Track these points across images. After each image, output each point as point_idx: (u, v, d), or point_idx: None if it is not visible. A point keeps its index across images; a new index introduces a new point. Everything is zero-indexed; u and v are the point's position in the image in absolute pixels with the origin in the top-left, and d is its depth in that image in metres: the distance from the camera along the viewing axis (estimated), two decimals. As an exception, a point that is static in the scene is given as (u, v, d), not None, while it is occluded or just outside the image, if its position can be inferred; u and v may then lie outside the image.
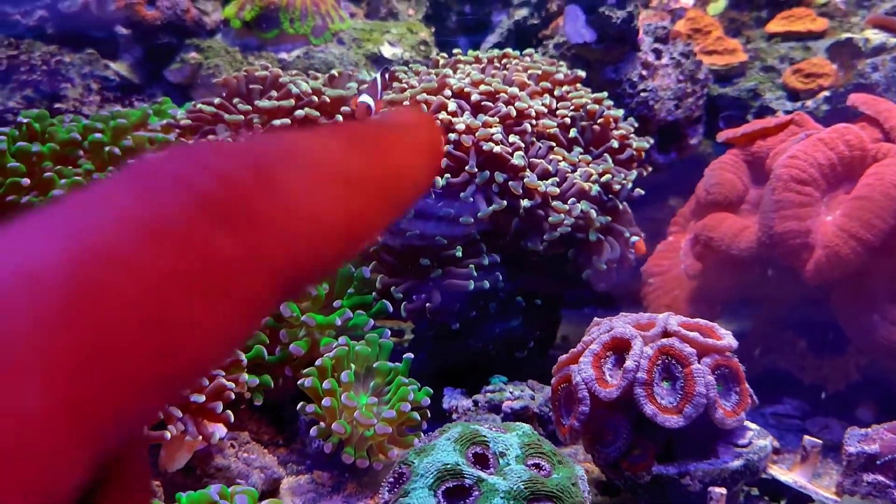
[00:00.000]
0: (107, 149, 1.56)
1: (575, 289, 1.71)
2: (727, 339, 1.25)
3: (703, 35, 2.13)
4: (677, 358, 1.22)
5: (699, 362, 1.22)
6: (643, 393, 1.21)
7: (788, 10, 2.10)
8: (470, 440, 1.08)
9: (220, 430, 1.34)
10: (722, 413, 1.21)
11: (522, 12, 2.26)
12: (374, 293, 1.54)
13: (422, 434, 1.40)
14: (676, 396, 1.21)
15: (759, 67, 1.99)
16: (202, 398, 1.29)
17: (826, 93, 1.85)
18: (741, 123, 1.93)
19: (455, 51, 1.78)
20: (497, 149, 1.50)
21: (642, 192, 1.62)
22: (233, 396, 1.34)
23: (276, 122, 1.59)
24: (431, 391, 1.43)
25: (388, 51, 2.17)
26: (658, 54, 1.91)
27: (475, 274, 1.50)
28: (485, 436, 1.09)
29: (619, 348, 1.27)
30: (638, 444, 1.24)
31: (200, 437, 1.30)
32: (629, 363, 1.22)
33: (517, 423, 1.16)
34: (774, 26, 2.08)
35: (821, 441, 1.29)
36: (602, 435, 1.26)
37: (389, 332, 1.51)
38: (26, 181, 1.42)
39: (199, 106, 1.62)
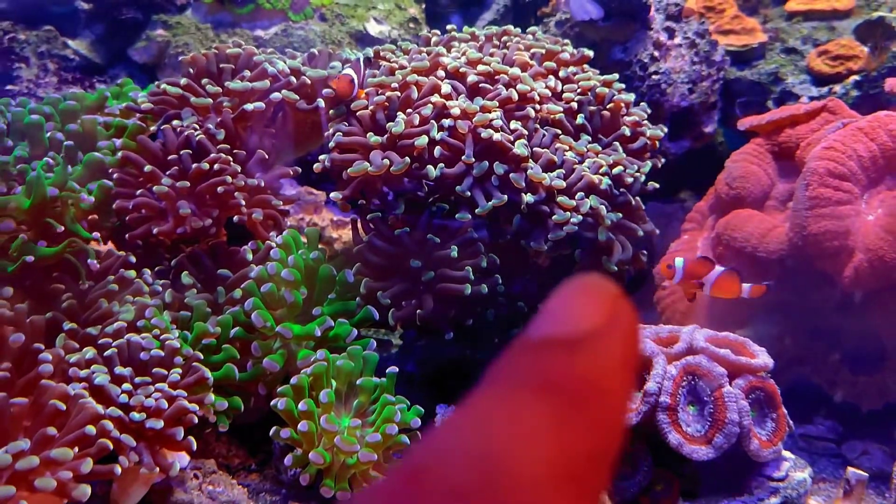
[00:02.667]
0: (48, 134, 1.38)
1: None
2: (762, 357, 1.10)
3: (717, 13, 1.96)
4: (706, 379, 1.07)
5: (731, 384, 1.06)
6: (667, 419, 1.05)
7: (810, -14, 1.93)
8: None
9: (181, 460, 1.17)
10: (758, 444, 1.05)
11: (520, -13, 2.09)
12: (357, 298, 1.38)
13: (412, 460, 1.24)
14: (705, 423, 1.06)
15: (779, 49, 1.82)
16: (160, 423, 1.13)
17: (856, 77, 1.69)
18: (760, 110, 1.77)
19: (449, 27, 1.61)
20: (497, 136, 1.33)
21: (657, 186, 1.46)
22: (196, 420, 1.17)
23: (249, 106, 1.41)
24: (422, 410, 1.27)
25: (374, 28, 1.99)
26: (671, 33, 1.75)
27: (472, 277, 1.33)
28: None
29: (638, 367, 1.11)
30: (660, 477, 1.08)
31: (158, 469, 1.13)
32: (651, 385, 1.06)
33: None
34: (795, 4, 1.91)
35: (866, 474, 1.13)
36: (619, 467, 1.10)
37: (375, 344, 1.34)
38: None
39: (163, 87, 1.44)
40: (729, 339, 1.13)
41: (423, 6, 2.16)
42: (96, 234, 1.27)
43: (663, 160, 1.56)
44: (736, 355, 1.08)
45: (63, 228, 1.24)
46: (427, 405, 1.30)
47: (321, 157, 1.42)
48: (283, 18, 1.98)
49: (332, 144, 1.38)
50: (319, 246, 1.47)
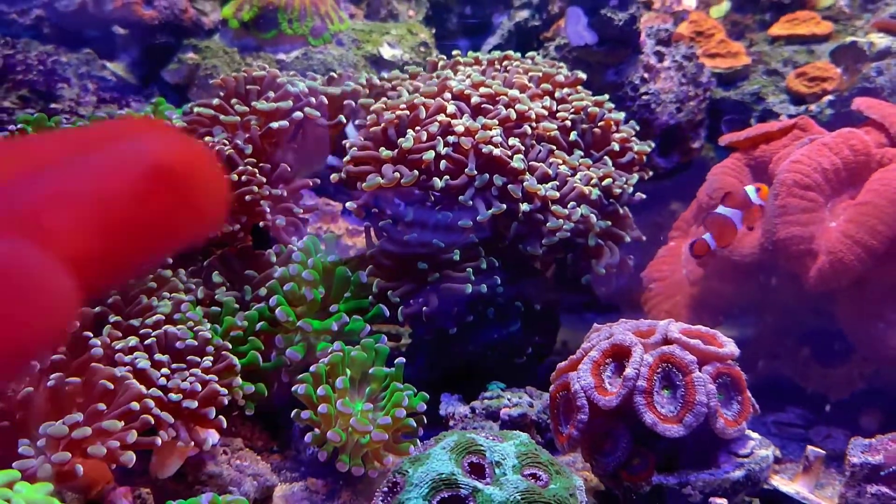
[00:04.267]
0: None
1: (574, 294, 1.68)
2: (729, 346, 1.23)
3: (706, 38, 2.11)
4: (678, 366, 1.20)
5: (700, 370, 1.20)
6: (643, 401, 1.19)
7: (792, 13, 2.08)
8: (466, 449, 1.06)
9: (212, 437, 1.31)
10: (723, 422, 1.18)
11: (523, 14, 2.24)
12: (370, 297, 1.52)
13: (418, 441, 1.38)
14: (677, 405, 1.19)
15: (762, 71, 1.96)
16: (194, 403, 1.27)
17: (830, 97, 1.83)
18: (744, 127, 1.91)
19: (454, 52, 1.76)
20: (497, 151, 1.48)
21: (643, 197, 1.60)
22: (226, 402, 1.31)
23: (275, 124, 1.57)
24: (427, 396, 1.40)
25: (387, 52, 2.15)
26: (660, 57, 1.89)
27: (473, 278, 1.47)
28: (481, 445, 1.07)
29: (618, 355, 1.25)
30: (637, 453, 1.21)
31: (192, 443, 1.27)
32: (629, 371, 1.20)
33: (514, 431, 1.14)
34: (778, 29, 2.06)
35: (824, 451, 1.26)
36: (601, 444, 1.23)
37: (386, 338, 1.48)
38: None
39: (196, 109, 1.60)
40: (700, 331, 1.26)
41: (433, 31, 2.32)
42: None
43: (651, 173, 1.70)
44: (706, 345, 1.22)
45: None
46: (433, 392, 1.44)
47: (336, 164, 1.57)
48: (303, 43, 2.14)
49: (347, 158, 1.54)
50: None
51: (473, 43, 2.30)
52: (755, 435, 1.26)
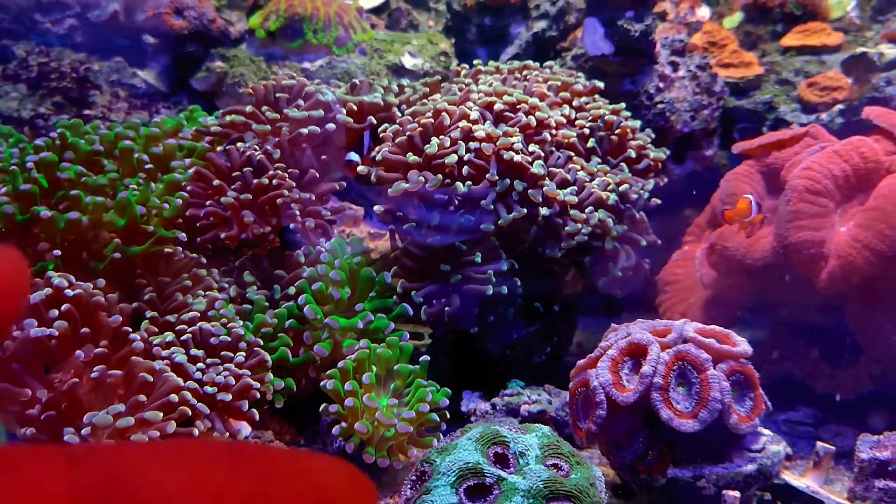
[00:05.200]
0: (136, 155, 1.61)
1: (590, 296, 1.74)
2: (742, 345, 1.28)
3: (719, 48, 2.16)
4: (693, 364, 1.25)
5: (714, 368, 1.25)
6: (659, 397, 1.24)
7: (804, 24, 2.13)
8: (491, 440, 1.12)
9: (245, 428, 1.37)
10: (736, 418, 1.23)
11: (541, 24, 2.30)
12: (394, 297, 1.58)
13: (440, 435, 1.43)
14: (692, 401, 1.24)
15: (774, 80, 2.02)
16: (229, 396, 1.33)
17: (841, 106, 1.88)
18: (756, 135, 1.96)
19: (476, 62, 1.82)
20: (517, 158, 1.54)
21: (658, 202, 1.65)
22: (258, 395, 1.38)
23: (304, 130, 1.63)
24: (450, 392, 1.46)
25: (408, 61, 2.22)
26: (675, 67, 1.95)
27: (494, 279, 1.53)
28: (505, 436, 1.12)
29: (636, 354, 1.30)
30: (654, 447, 1.26)
31: (227, 434, 1.33)
32: (646, 368, 1.25)
33: (536, 424, 1.19)
34: (790, 40, 2.11)
35: (833, 447, 1.31)
36: (618, 438, 1.28)
37: (408, 336, 1.54)
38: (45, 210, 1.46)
39: (228, 118, 1.66)
40: (715, 331, 1.31)
41: (453, 41, 2.38)
42: (182, 235, 1.50)
43: (666, 180, 1.76)
44: (720, 344, 1.27)
45: (152, 228, 1.47)
46: (454, 390, 1.49)
47: (359, 169, 1.64)
48: (327, 52, 2.21)
49: (378, 158, 1.60)
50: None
51: (492, 52, 2.36)
52: (767, 431, 1.30)
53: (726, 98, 1.99)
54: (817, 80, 1.93)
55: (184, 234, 1.52)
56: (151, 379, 1.28)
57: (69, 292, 1.32)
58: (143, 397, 1.25)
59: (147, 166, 1.62)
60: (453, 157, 1.53)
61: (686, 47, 2.02)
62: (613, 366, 1.29)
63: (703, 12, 2.31)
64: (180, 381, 1.30)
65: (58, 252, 1.46)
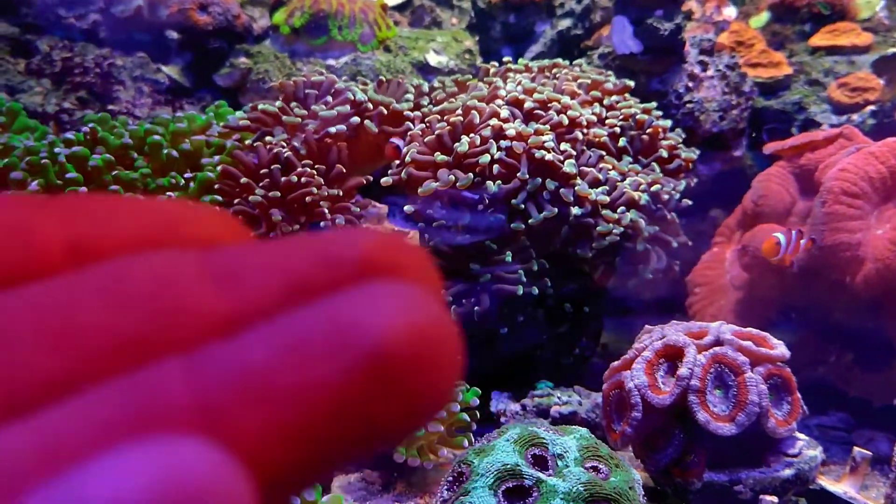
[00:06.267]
0: (165, 151, 1.60)
1: (619, 297, 1.73)
2: (780, 348, 1.27)
3: (747, 48, 2.15)
4: (730, 366, 1.24)
5: (752, 371, 1.23)
6: (696, 400, 1.23)
7: (832, 24, 2.11)
8: (529, 441, 1.11)
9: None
10: (774, 422, 1.22)
11: (566, 23, 2.29)
12: (423, 296, 1.57)
13: (471, 435, 1.43)
14: (729, 404, 1.23)
15: (803, 81, 2.00)
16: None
17: (872, 107, 1.86)
18: (785, 136, 1.94)
19: (505, 59, 1.81)
20: (549, 156, 1.53)
21: (690, 203, 1.64)
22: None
23: (332, 129, 1.63)
24: (480, 392, 1.45)
25: (433, 59, 2.21)
26: (704, 66, 1.93)
27: (524, 279, 1.52)
28: (543, 438, 1.11)
29: (671, 356, 1.29)
30: (689, 450, 1.26)
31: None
32: (683, 370, 1.24)
33: (573, 426, 1.18)
34: (818, 40, 2.09)
35: (870, 453, 1.30)
36: (654, 441, 1.28)
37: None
38: (83, 190, 1.46)
39: (260, 107, 1.66)
40: (752, 333, 1.30)
41: (477, 39, 2.37)
42: None
43: (696, 180, 1.75)
44: (757, 346, 1.26)
45: None
46: (482, 390, 1.48)
47: (390, 172, 1.63)
48: (352, 49, 2.20)
49: (408, 159, 1.59)
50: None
51: (516, 50, 2.35)
52: (803, 436, 1.29)
53: (755, 98, 1.97)
54: (848, 80, 1.91)
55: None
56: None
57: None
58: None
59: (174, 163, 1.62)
60: (486, 157, 1.52)
61: (714, 47, 2.00)
62: (649, 368, 1.28)
63: (730, 12, 2.29)
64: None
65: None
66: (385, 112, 1.68)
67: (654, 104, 1.70)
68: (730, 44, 2.13)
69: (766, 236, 1.55)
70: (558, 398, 1.48)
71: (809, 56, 2.08)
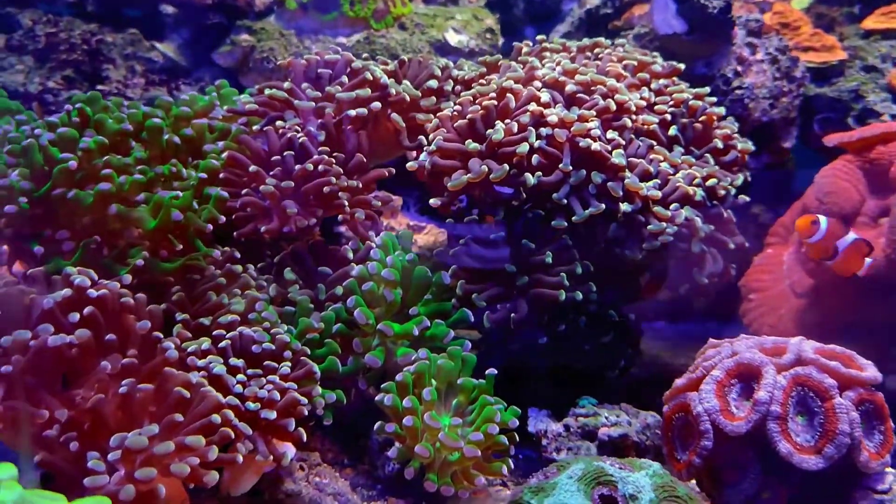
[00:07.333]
0: (165, 137, 1.42)
1: (664, 302, 1.57)
2: (870, 370, 1.11)
3: (792, 30, 1.98)
4: (816, 390, 1.08)
5: (841, 396, 1.08)
6: (777, 428, 1.07)
7: (887, 5, 1.95)
8: (595, 479, 0.95)
9: (290, 450, 1.20)
10: (867, 455, 1.07)
11: (595, 1, 2.12)
12: (453, 300, 1.41)
13: (509, 460, 1.27)
14: (814, 434, 1.07)
15: (859, 66, 1.84)
16: (273, 414, 1.16)
17: (940, 96, 1.71)
18: (839, 127, 1.78)
19: (539, 37, 1.64)
20: (595, 146, 1.36)
21: (747, 199, 1.48)
22: (306, 412, 1.20)
23: (352, 112, 1.45)
24: (519, 411, 1.29)
25: (453, 38, 2.03)
26: (753, 49, 1.77)
27: (567, 283, 1.36)
28: (612, 475, 0.95)
29: (745, 376, 1.13)
30: (767, 485, 1.10)
31: (271, 458, 1.16)
32: (762, 394, 1.08)
33: (644, 459, 1.02)
34: (872, 23, 1.93)
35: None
36: (726, 474, 1.12)
37: (470, 345, 1.37)
38: (73, 164, 1.28)
39: (267, 91, 1.48)
40: (836, 352, 1.14)
41: (498, 17, 2.19)
42: (217, 252, 1.32)
43: (749, 174, 1.58)
44: (846, 368, 1.10)
45: (182, 247, 1.29)
46: (516, 406, 1.31)
47: (421, 158, 1.45)
48: (365, 26, 2.02)
49: (433, 148, 1.42)
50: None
51: (540, 30, 2.17)
52: (892, 469, 1.14)
53: (806, 85, 1.81)
54: (911, 66, 1.75)
55: (218, 252, 1.34)
56: (188, 395, 1.10)
57: (92, 293, 1.14)
58: (179, 416, 1.07)
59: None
60: (525, 147, 1.36)
61: (762, 28, 1.84)
62: (719, 389, 1.12)
63: (772, -9, 2.12)
64: (220, 396, 1.12)
65: (71, 244, 1.28)
66: (408, 99, 1.50)
67: (707, 89, 1.54)
68: (774, 25, 1.97)
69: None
70: (605, 418, 1.32)
71: (862, 40, 1.92)
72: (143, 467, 1.00)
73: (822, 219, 1.38)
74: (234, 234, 1.39)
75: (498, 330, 1.40)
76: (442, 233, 1.86)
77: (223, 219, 1.34)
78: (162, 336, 1.18)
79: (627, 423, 1.32)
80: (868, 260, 1.33)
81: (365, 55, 1.67)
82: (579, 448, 1.29)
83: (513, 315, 1.36)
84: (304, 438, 1.19)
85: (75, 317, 1.11)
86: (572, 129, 1.38)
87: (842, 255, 1.33)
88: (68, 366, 1.11)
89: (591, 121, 1.39)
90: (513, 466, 1.28)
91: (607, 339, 1.43)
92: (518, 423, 1.28)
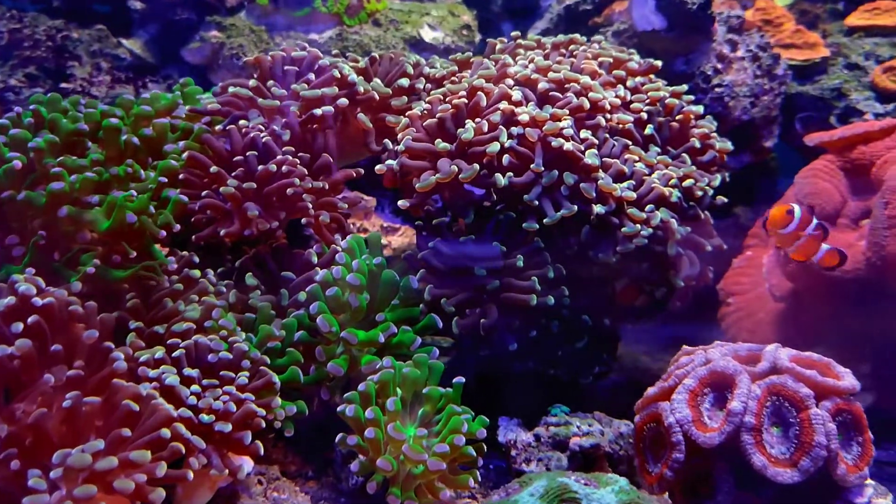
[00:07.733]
0: (123, 137, 1.37)
1: (641, 307, 1.52)
2: (848, 379, 1.07)
3: (775, 27, 1.94)
4: (791, 400, 1.04)
5: (817, 406, 1.04)
6: (751, 440, 1.03)
7: (871, 2, 1.91)
8: (558, 497, 0.90)
9: (247, 464, 1.15)
10: (845, 468, 1.03)
11: (574, -3, 2.07)
12: (421, 305, 1.36)
13: (477, 472, 1.22)
14: (790, 445, 1.03)
15: (842, 64, 1.80)
16: (228, 426, 1.11)
17: (924, 94, 1.67)
18: (821, 126, 1.75)
19: (514, 34, 1.59)
20: (568, 146, 1.32)
21: (725, 200, 1.44)
22: (263, 424, 1.15)
23: (318, 111, 1.40)
24: (487, 421, 1.25)
25: (428, 35, 1.98)
26: (733, 46, 1.73)
27: (538, 287, 1.31)
28: (576, 492, 0.91)
29: (719, 385, 1.09)
30: (741, 500, 1.06)
31: (226, 472, 1.11)
32: (735, 404, 1.04)
33: (610, 475, 0.98)
34: (856, 19, 1.89)
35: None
36: (698, 487, 1.07)
37: (438, 352, 1.32)
38: (18, 164, 1.22)
39: (231, 89, 1.43)
40: (813, 360, 1.10)
41: (476, 13, 2.14)
42: (172, 259, 1.27)
43: (727, 174, 1.54)
44: (822, 376, 1.06)
45: (136, 254, 1.24)
46: (485, 415, 1.26)
47: (388, 162, 1.41)
48: (337, 22, 1.97)
49: (401, 148, 1.37)
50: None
51: (518, 26, 2.12)
52: (870, 481, 1.10)
53: (788, 83, 1.77)
54: (893, 64, 1.71)
55: (173, 258, 1.29)
56: (137, 408, 1.05)
57: (38, 301, 1.09)
58: (126, 431, 1.02)
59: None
60: (495, 146, 1.31)
61: (743, 24, 1.80)
62: (692, 399, 1.08)
63: (754, -13, 2.08)
64: (171, 409, 1.07)
65: (21, 249, 1.23)
66: (377, 98, 1.45)
67: (684, 87, 1.50)
68: (756, 21, 1.93)
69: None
70: (577, 427, 1.28)
71: (846, 37, 1.88)
72: (84, 485, 0.95)
73: (797, 208, 1.33)
74: (193, 237, 1.34)
75: (468, 336, 1.35)
76: (418, 234, 1.81)
77: (178, 227, 1.28)
78: (113, 346, 1.13)
79: (600, 433, 1.27)
80: (825, 246, 1.28)
81: (336, 52, 1.62)
82: (550, 459, 1.25)
83: (482, 321, 1.32)
84: (262, 451, 1.14)
85: (19, 327, 1.06)
86: (544, 128, 1.33)
87: (802, 241, 1.29)
88: (10, 378, 1.05)
89: (564, 120, 1.35)
90: (480, 479, 1.23)
91: (581, 344, 1.39)
92: (486, 433, 1.23)
